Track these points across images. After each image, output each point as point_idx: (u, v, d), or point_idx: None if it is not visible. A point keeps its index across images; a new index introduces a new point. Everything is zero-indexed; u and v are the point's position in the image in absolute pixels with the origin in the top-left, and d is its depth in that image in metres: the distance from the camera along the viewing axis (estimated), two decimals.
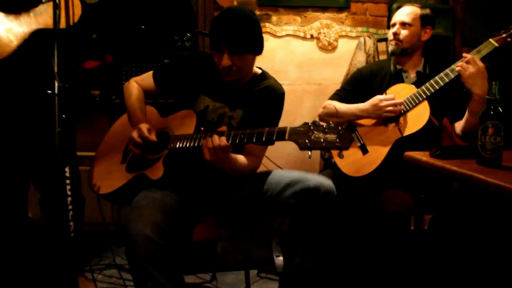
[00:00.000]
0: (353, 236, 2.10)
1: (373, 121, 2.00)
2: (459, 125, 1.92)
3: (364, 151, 1.93)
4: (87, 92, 2.62)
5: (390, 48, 2.05)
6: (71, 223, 1.43)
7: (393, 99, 1.91)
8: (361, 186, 1.94)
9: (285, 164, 2.74)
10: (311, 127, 1.28)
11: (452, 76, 1.84)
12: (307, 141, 1.26)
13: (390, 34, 2.05)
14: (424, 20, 2.02)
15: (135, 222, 1.33)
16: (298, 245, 1.53)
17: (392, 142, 1.89)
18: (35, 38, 1.64)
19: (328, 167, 2.09)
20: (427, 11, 2.05)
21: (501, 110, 1.38)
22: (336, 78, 2.71)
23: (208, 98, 1.65)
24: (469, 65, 1.76)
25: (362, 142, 1.95)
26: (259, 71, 1.72)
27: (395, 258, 2.13)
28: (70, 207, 1.43)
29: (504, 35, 1.81)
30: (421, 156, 1.57)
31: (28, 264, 1.98)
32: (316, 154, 2.71)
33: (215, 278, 2.23)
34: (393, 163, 1.86)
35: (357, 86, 2.11)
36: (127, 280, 1.93)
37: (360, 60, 2.69)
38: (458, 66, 1.79)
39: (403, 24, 2.01)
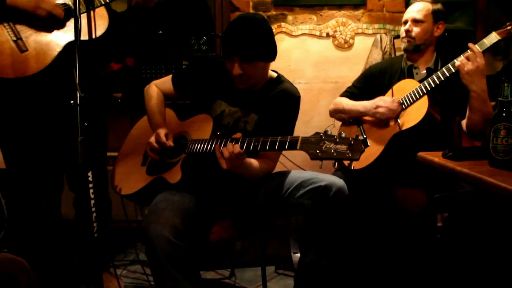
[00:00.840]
0: (367, 233, 2.13)
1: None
2: (464, 123, 1.91)
3: (365, 144, 1.97)
4: (109, 94, 2.71)
5: (403, 45, 2.05)
6: (95, 224, 1.51)
7: (391, 101, 1.94)
8: (373, 183, 1.97)
9: (302, 162, 2.77)
10: (323, 137, 1.30)
11: (453, 70, 1.81)
12: (318, 151, 1.29)
13: (402, 31, 2.05)
14: (436, 16, 2.00)
15: (155, 224, 1.39)
16: (312, 242, 1.57)
17: (390, 136, 1.93)
18: (70, 49, 1.73)
19: (340, 168, 2.12)
20: (439, 6, 2.02)
21: None
22: (352, 76, 2.68)
23: (225, 102, 1.70)
24: (468, 61, 1.73)
25: (364, 136, 1.99)
26: (275, 74, 1.75)
27: (407, 256, 2.14)
28: (93, 209, 1.51)
29: (509, 27, 1.76)
30: (434, 157, 1.58)
31: (58, 260, 2.09)
32: None
33: (234, 274, 2.29)
34: (401, 158, 1.88)
35: (367, 83, 2.15)
36: (150, 275, 2.00)
37: (376, 58, 2.68)
38: (457, 61, 1.77)
39: (415, 21, 2.00)
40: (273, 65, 2.85)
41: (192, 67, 1.80)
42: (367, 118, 2.07)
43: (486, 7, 3.03)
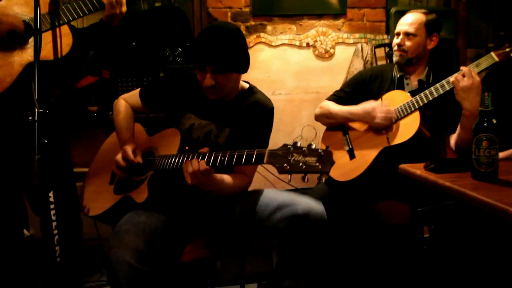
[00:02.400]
0: (349, 248, 2.06)
1: (365, 126, 1.97)
2: (453, 139, 1.86)
3: (351, 156, 1.92)
4: (84, 108, 2.63)
5: (395, 58, 1.98)
6: (57, 248, 1.42)
7: (388, 109, 1.87)
8: (356, 196, 1.90)
9: (284, 176, 2.70)
10: (291, 149, 1.23)
11: (447, 88, 1.77)
12: (285, 164, 1.22)
13: (394, 44, 1.99)
14: (429, 28, 1.93)
15: (116, 248, 1.31)
16: (288, 267, 1.49)
17: (379, 150, 1.86)
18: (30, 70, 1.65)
19: (324, 181, 2.05)
20: (433, 16, 1.96)
21: (495, 121, 1.32)
22: (334, 86, 2.64)
23: (194, 116, 1.62)
24: (464, 78, 1.69)
25: (351, 146, 1.93)
26: (246, 85, 1.68)
27: (390, 271, 2.08)
28: (56, 231, 1.42)
29: (507, 50, 1.72)
30: (415, 169, 1.52)
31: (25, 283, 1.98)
32: None
33: None
34: (386, 172, 1.82)
35: (357, 88, 2.07)
36: None
37: (358, 67, 2.65)
38: (452, 77, 1.73)
39: (407, 34, 1.93)
40: (253, 76, 2.82)
41: (159, 79, 1.74)
42: (353, 126, 2.00)
43: (467, 16, 3.03)
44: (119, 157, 1.55)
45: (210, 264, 2.36)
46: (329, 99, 2.11)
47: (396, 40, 1.97)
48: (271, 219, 1.45)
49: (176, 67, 2.47)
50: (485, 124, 1.32)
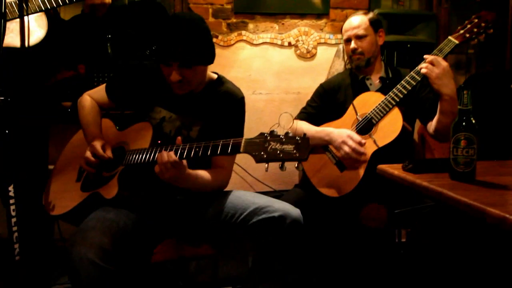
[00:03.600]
0: (330, 253, 2.02)
1: None
2: (430, 126, 1.84)
3: (341, 167, 1.86)
4: (58, 103, 2.54)
5: (354, 63, 1.98)
6: (16, 246, 1.34)
7: (361, 145, 1.79)
8: (338, 202, 1.85)
9: (263, 176, 2.66)
10: (268, 138, 1.20)
11: (419, 78, 1.77)
12: (263, 153, 1.18)
13: (348, 50, 1.98)
14: (375, 25, 1.97)
15: (79, 245, 1.24)
16: (263, 272, 1.45)
17: (369, 155, 1.80)
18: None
19: (300, 185, 2.00)
20: (373, 14, 2.00)
21: (474, 121, 1.30)
22: (315, 86, 2.58)
23: (164, 109, 1.56)
24: (434, 66, 1.69)
25: (337, 159, 1.87)
26: (215, 76, 1.63)
27: (370, 274, 2.05)
28: (15, 228, 1.34)
29: (462, 31, 1.77)
30: (394, 169, 1.49)
31: None
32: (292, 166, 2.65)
33: None
34: (374, 175, 1.79)
35: (323, 100, 2.05)
36: None
37: (338, 69, 2.62)
38: (423, 68, 1.72)
39: (358, 37, 1.94)
40: (233, 74, 2.77)
41: (125, 73, 1.65)
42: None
43: (448, 20, 3.05)
44: (88, 153, 1.48)
45: (182, 265, 2.30)
46: (299, 117, 2.06)
47: (349, 46, 1.96)
48: (248, 222, 1.41)
49: (139, 62, 2.42)
50: (464, 123, 1.29)
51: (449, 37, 1.77)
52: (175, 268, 2.30)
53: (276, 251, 1.41)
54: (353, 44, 1.95)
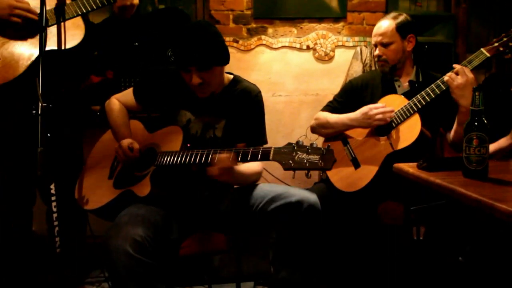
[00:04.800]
0: (348, 248, 2.08)
1: (365, 134, 1.98)
2: (449, 135, 1.88)
3: (356, 165, 1.93)
4: (88, 107, 2.67)
5: (379, 69, 2.03)
6: (57, 239, 1.45)
7: (383, 107, 1.88)
8: (356, 199, 1.91)
9: (283, 175, 2.73)
10: (295, 148, 1.32)
11: (443, 88, 1.80)
12: (290, 161, 1.30)
13: (375, 56, 2.03)
14: (402, 31, 1.95)
15: (115, 238, 1.35)
16: (284, 258, 1.53)
17: (384, 156, 1.87)
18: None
19: (323, 181, 2.07)
20: (402, 18, 1.97)
21: (485, 121, 1.35)
22: (333, 88, 2.70)
23: (189, 112, 1.67)
24: (457, 76, 1.72)
25: (353, 155, 1.95)
26: (231, 76, 1.74)
27: (386, 270, 2.09)
28: (56, 223, 1.46)
29: (496, 44, 1.75)
30: (409, 168, 1.56)
31: (28, 276, 2.01)
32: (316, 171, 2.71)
33: None
34: (388, 175, 1.84)
35: (349, 97, 2.09)
36: None
37: (357, 70, 2.68)
38: (446, 76, 1.76)
39: (383, 45, 1.96)
40: (253, 77, 2.86)
41: (151, 78, 1.77)
42: (353, 135, 2.00)
43: (467, 20, 3.06)
44: (118, 148, 1.60)
45: (207, 260, 2.39)
46: (324, 110, 2.12)
47: (375, 52, 2.01)
48: (267, 210, 1.50)
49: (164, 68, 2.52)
50: (476, 123, 1.35)
51: (481, 49, 1.76)
52: (200, 263, 2.40)
53: (296, 236, 1.48)
54: (377, 51, 1.98)
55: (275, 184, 1.68)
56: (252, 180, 1.63)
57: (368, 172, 1.88)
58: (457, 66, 1.75)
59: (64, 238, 1.46)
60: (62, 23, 1.64)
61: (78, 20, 1.75)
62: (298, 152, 1.29)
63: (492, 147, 1.83)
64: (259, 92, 1.72)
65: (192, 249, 1.64)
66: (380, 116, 1.86)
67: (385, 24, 1.97)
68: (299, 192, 1.52)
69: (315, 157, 1.28)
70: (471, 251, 1.90)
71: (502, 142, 1.80)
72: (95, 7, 1.72)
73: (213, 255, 2.40)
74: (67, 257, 1.58)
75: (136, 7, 1.80)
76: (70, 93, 2.12)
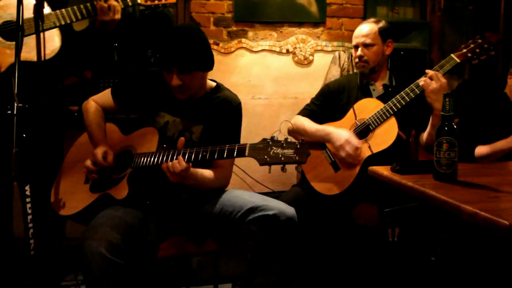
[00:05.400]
0: (324, 250, 2.11)
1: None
2: (422, 137, 1.94)
3: (336, 168, 1.96)
4: (65, 107, 2.64)
5: (359, 70, 2.07)
6: (32, 241, 1.44)
7: (359, 152, 1.89)
8: (334, 201, 1.94)
9: (262, 177, 2.76)
10: (270, 143, 1.33)
11: (418, 92, 1.86)
12: (266, 156, 1.32)
13: (355, 57, 2.06)
14: (383, 35, 2.03)
15: (91, 240, 1.34)
16: (260, 263, 1.54)
17: (363, 159, 1.90)
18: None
19: (300, 183, 2.09)
20: (383, 23, 2.05)
21: (455, 126, 1.40)
22: (312, 92, 2.72)
23: (168, 114, 1.68)
24: (432, 81, 1.78)
25: (333, 159, 1.97)
26: (214, 84, 1.75)
27: (363, 272, 2.13)
28: (30, 224, 1.44)
29: (464, 50, 1.83)
30: (383, 171, 1.59)
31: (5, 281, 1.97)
32: (292, 167, 2.74)
33: None
34: (365, 178, 1.88)
35: (326, 100, 2.13)
36: None
37: (335, 74, 2.73)
38: (421, 81, 1.81)
39: (365, 46, 2.01)
40: (233, 80, 2.87)
41: (131, 78, 1.77)
42: None
43: (441, 28, 3.15)
44: (88, 162, 1.58)
45: (186, 262, 2.39)
46: (301, 113, 2.14)
47: (356, 53, 2.04)
48: (244, 220, 1.52)
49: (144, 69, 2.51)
50: (446, 128, 1.40)
51: (452, 55, 1.84)
52: (178, 265, 2.40)
53: (272, 247, 1.50)
54: (359, 52, 2.02)
55: (255, 193, 1.69)
56: (212, 187, 1.62)
57: (348, 175, 1.92)
58: (430, 72, 1.81)
59: (39, 241, 1.45)
60: (36, 35, 1.63)
61: (55, 32, 1.75)
62: (273, 147, 1.31)
63: (490, 148, 1.92)
64: (240, 103, 1.73)
65: (170, 252, 1.64)
66: (349, 158, 1.89)
67: (368, 27, 2.04)
68: (277, 204, 1.53)
69: (289, 151, 1.30)
70: (443, 251, 1.96)
71: (500, 145, 1.88)
72: (74, 20, 1.73)
73: (191, 257, 2.39)
74: (42, 260, 1.56)
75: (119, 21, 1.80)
76: (47, 93, 2.09)
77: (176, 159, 1.45)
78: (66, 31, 1.81)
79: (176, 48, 1.52)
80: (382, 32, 2.03)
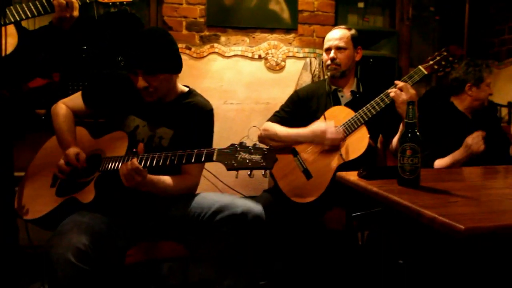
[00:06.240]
0: (294, 254, 2.13)
1: (314, 145, 2.02)
2: (392, 144, 2.00)
3: (308, 176, 1.98)
4: (32, 111, 2.57)
5: (330, 73, 2.09)
6: None
7: (337, 130, 1.92)
8: (304, 207, 1.96)
9: (233, 182, 2.76)
10: (238, 148, 1.34)
11: (388, 102, 1.91)
12: (233, 162, 1.32)
13: (327, 59, 2.09)
14: (355, 42, 2.09)
15: (57, 247, 1.31)
16: (228, 267, 1.54)
17: (335, 168, 1.93)
18: None
19: (271, 189, 2.11)
20: (354, 31, 2.11)
21: (418, 133, 1.45)
22: (283, 97, 2.71)
23: (138, 118, 1.66)
24: (402, 92, 1.83)
25: (304, 167, 1.99)
26: (186, 89, 1.75)
27: (332, 275, 2.16)
28: None
29: (431, 62, 1.90)
30: (350, 176, 1.63)
31: None
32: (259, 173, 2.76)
33: None
34: (336, 185, 1.90)
35: (296, 107, 2.14)
36: None
37: (306, 80, 2.77)
38: (392, 92, 1.86)
39: (338, 49, 2.06)
40: (205, 85, 2.87)
41: (102, 81, 1.75)
42: (302, 146, 2.03)
43: (409, 36, 3.25)
44: (61, 161, 1.55)
45: (154, 268, 2.36)
46: (271, 120, 2.14)
47: (329, 55, 2.07)
48: (212, 220, 1.52)
49: (113, 71, 2.48)
50: (409, 135, 1.44)
51: (420, 67, 1.91)
52: (147, 271, 2.37)
53: (240, 246, 1.50)
54: (332, 54, 2.06)
55: (222, 194, 1.69)
56: (177, 193, 1.61)
57: (320, 183, 1.94)
58: (399, 83, 1.85)
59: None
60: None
61: (11, 28, 1.71)
62: (241, 153, 1.32)
63: (448, 159, 2.00)
64: (212, 109, 1.73)
65: (138, 257, 1.62)
66: (331, 141, 1.92)
67: (341, 32, 2.09)
68: (244, 202, 1.54)
69: (257, 157, 1.31)
70: (410, 254, 2.01)
71: (456, 155, 1.96)
72: (30, 16, 1.69)
73: (160, 263, 2.37)
74: (3, 267, 1.50)
75: (79, 16, 1.77)
76: (13, 96, 2.04)
77: (143, 163, 1.44)
78: (18, 29, 1.77)
79: (141, 50, 1.51)
80: (353, 38, 2.09)
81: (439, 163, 2.04)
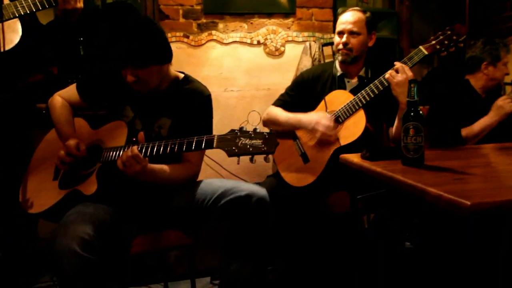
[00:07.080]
0: (299, 239, 2.13)
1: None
2: (391, 131, 1.96)
3: (305, 159, 1.98)
4: (33, 105, 2.57)
5: (341, 57, 2.00)
6: None
7: (332, 129, 1.89)
8: (307, 192, 1.95)
9: (236, 169, 2.75)
10: (238, 134, 1.33)
11: (386, 84, 1.85)
12: (234, 148, 1.31)
13: (339, 43, 2.00)
14: (369, 26, 2.01)
15: (62, 237, 1.31)
16: (234, 251, 1.54)
17: (331, 151, 1.91)
18: None
19: (275, 175, 2.10)
20: (369, 14, 2.03)
21: (421, 112, 1.43)
22: (284, 82, 2.73)
23: (134, 107, 1.65)
24: (397, 73, 1.78)
25: (303, 151, 1.99)
26: (181, 75, 1.72)
27: (339, 259, 2.17)
28: None
29: (433, 42, 1.83)
30: (353, 158, 1.62)
31: None
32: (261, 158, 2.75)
33: None
34: (335, 168, 1.90)
35: (300, 90, 2.11)
36: None
37: (306, 65, 2.73)
38: (387, 74, 1.81)
39: (352, 33, 1.97)
40: (205, 73, 2.85)
41: (96, 73, 1.73)
42: (302, 131, 2.02)
43: (409, 17, 3.20)
44: (62, 152, 1.55)
45: (161, 258, 2.37)
46: (275, 104, 2.13)
47: (341, 39, 1.98)
48: (217, 205, 1.51)
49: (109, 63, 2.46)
50: (412, 114, 1.43)
51: (420, 47, 1.84)
52: (154, 261, 2.38)
53: (245, 229, 1.50)
54: (345, 38, 1.97)
55: (226, 179, 1.69)
56: (178, 182, 1.60)
57: (316, 167, 1.93)
58: (397, 64, 1.81)
59: (8, 242, 1.41)
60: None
61: (14, 23, 1.69)
62: (241, 138, 1.31)
63: (477, 126, 2.02)
64: (210, 94, 1.70)
65: (143, 247, 1.62)
66: (324, 137, 1.90)
67: (356, 15, 1.99)
68: (248, 186, 1.53)
69: (258, 142, 1.30)
70: (417, 236, 2.01)
71: (486, 120, 2.00)
72: (34, 10, 1.67)
73: (166, 252, 2.37)
74: (13, 261, 1.52)
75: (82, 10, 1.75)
76: (11, 91, 2.03)
77: (143, 152, 1.42)
78: (31, 24, 1.76)
79: (125, 45, 1.47)
80: (368, 23, 2.00)
81: (467, 131, 2.02)
